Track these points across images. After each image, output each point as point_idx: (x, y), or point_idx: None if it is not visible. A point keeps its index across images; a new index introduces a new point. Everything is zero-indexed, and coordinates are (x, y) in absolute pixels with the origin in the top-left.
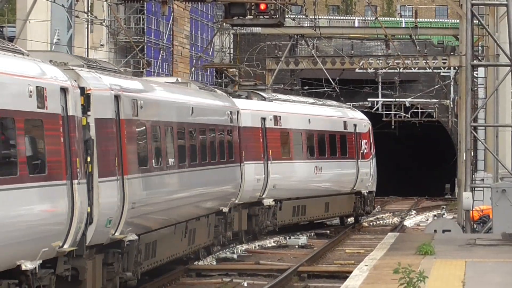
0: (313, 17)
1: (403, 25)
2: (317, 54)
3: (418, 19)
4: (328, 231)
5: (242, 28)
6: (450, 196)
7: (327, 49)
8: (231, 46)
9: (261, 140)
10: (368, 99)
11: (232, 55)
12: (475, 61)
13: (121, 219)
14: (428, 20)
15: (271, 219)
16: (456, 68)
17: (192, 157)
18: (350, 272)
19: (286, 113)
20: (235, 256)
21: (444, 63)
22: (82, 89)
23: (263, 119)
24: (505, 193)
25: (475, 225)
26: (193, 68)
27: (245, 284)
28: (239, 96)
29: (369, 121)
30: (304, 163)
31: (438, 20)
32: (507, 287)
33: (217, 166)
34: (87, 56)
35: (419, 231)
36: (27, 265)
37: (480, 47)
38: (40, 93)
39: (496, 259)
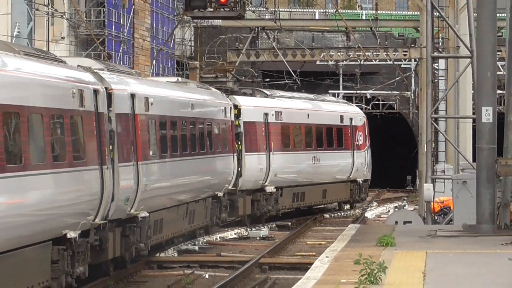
0: (273, 9)
1: (364, 17)
2: (278, 47)
3: (378, 11)
4: (289, 223)
5: (203, 20)
6: (411, 188)
7: (288, 42)
8: (192, 38)
9: (263, 133)
10: (329, 91)
11: (193, 47)
12: (435, 53)
13: (136, 198)
14: (389, 12)
15: (273, 204)
16: (417, 60)
17: (193, 147)
18: (311, 264)
19: (287, 109)
20: (196, 248)
21: (405, 55)
22: (105, 89)
23: (266, 114)
24: (466, 184)
25: (436, 216)
26: (154, 61)
27: (207, 276)
28: (243, 94)
29: (364, 115)
30: (303, 154)
31: (399, 12)
32: (468, 278)
33: (213, 155)
34: (48, 49)
35: (380, 222)
36: (71, 234)
37: (440, 39)
38: (80, 94)
39: (457, 250)
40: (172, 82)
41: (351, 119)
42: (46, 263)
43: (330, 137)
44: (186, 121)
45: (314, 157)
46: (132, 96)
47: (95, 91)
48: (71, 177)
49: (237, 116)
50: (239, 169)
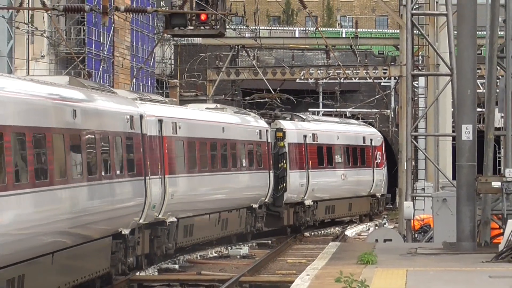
0: (254, 27)
1: (344, 35)
2: (258, 65)
3: (358, 29)
4: (270, 241)
5: (183, 39)
6: (391, 206)
7: (268, 60)
8: (172, 57)
9: (303, 153)
10: (309, 109)
11: (173, 66)
12: (415, 70)
13: (162, 205)
14: (369, 30)
15: (311, 216)
16: (397, 78)
17: (223, 164)
18: (292, 282)
19: (321, 131)
20: (176, 266)
21: (385, 73)
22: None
23: (305, 136)
24: (446, 202)
25: (416, 234)
26: (134, 79)
27: None
28: (284, 118)
29: (382, 136)
30: (335, 171)
31: (379, 30)
32: None
33: (245, 172)
34: (28, 67)
35: (361, 240)
36: (125, 231)
37: (420, 57)
38: (131, 119)
39: (437, 268)
40: (210, 108)
41: (371, 139)
42: (108, 253)
43: (355, 156)
44: (216, 142)
45: (343, 174)
46: (160, 121)
47: (140, 117)
48: (125, 186)
49: (282, 138)
50: (284, 184)
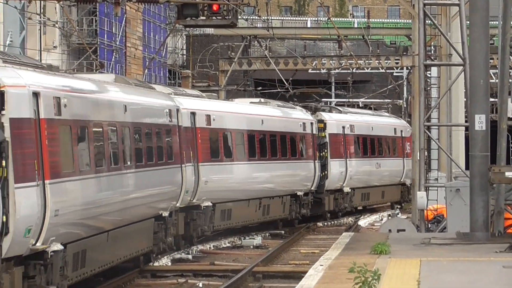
0: (265, 17)
1: (356, 26)
2: (270, 55)
3: (370, 19)
4: (283, 231)
5: (195, 29)
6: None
7: (280, 50)
8: (184, 47)
9: (342, 143)
10: (322, 100)
11: (185, 56)
12: (427, 60)
13: (196, 191)
14: (381, 20)
15: (349, 202)
16: (409, 68)
17: (261, 154)
18: (305, 272)
19: (358, 122)
20: (190, 256)
21: (397, 63)
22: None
23: (343, 127)
24: (459, 192)
25: (429, 224)
26: (146, 69)
27: (200, 285)
28: (323, 110)
29: (410, 127)
30: (370, 160)
31: (391, 20)
32: (462, 285)
33: (287, 161)
34: (40, 58)
35: (374, 230)
36: (165, 213)
37: (432, 47)
38: (169, 113)
39: (451, 258)
40: (254, 103)
41: (401, 131)
42: (151, 233)
43: (388, 146)
44: (254, 133)
45: (377, 163)
46: (193, 114)
47: (177, 110)
48: (165, 173)
49: (323, 129)
50: (325, 172)
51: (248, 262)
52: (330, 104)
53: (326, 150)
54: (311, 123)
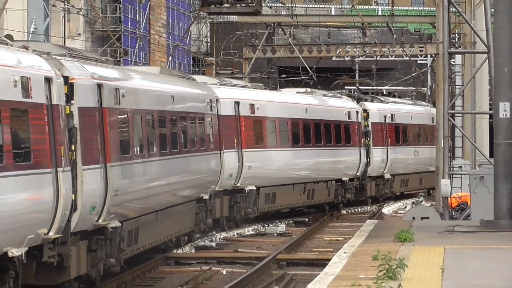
0: (289, 5)
1: (380, 13)
2: (294, 43)
3: (394, 7)
4: (306, 219)
5: (219, 16)
6: None
7: (304, 37)
8: (208, 35)
9: (383, 131)
10: (346, 87)
11: (209, 44)
12: (452, 48)
13: (240, 175)
14: (405, 8)
15: (389, 188)
16: (433, 55)
17: (305, 140)
18: (329, 260)
19: (398, 112)
20: (213, 244)
21: (421, 50)
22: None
23: (384, 116)
24: (483, 180)
25: (453, 212)
26: (170, 57)
27: (224, 272)
28: (365, 100)
29: None
30: (409, 148)
31: (415, 8)
32: (486, 273)
33: (330, 147)
34: (64, 45)
35: (398, 218)
36: (205, 196)
37: (456, 35)
38: (210, 102)
39: (475, 246)
40: (300, 92)
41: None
42: (193, 214)
43: (425, 134)
44: (298, 121)
45: (415, 151)
46: (237, 103)
47: (217, 100)
48: (206, 159)
49: (366, 118)
50: (368, 159)
51: (271, 250)
52: (354, 91)
53: (368, 138)
54: (357, 112)
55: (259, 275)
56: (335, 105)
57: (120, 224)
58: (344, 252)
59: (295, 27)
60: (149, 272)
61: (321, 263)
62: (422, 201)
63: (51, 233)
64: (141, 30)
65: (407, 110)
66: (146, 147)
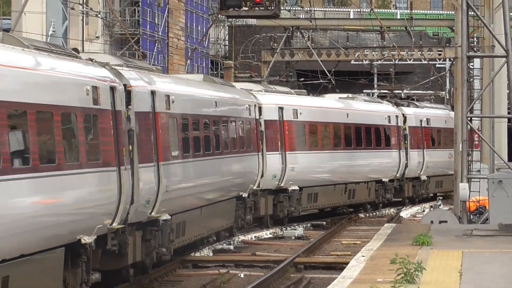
0: (308, 8)
1: (399, 17)
2: (312, 46)
3: (413, 11)
4: (324, 222)
5: (238, 20)
6: None
7: (323, 41)
8: (227, 38)
9: (420, 134)
10: (364, 91)
11: (227, 47)
12: (470, 52)
13: (283, 176)
14: (423, 11)
15: (425, 189)
16: (452, 59)
17: (346, 143)
18: (347, 263)
19: (433, 116)
20: (231, 247)
21: (440, 54)
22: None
23: (421, 120)
24: (502, 184)
25: (471, 216)
26: (188, 60)
27: (242, 275)
28: (402, 105)
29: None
30: (444, 151)
31: (433, 11)
32: (504, 277)
33: (371, 150)
34: (82, 48)
35: (416, 222)
36: (244, 195)
37: (475, 38)
38: (249, 108)
39: (493, 250)
40: (342, 98)
41: None
42: (233, 211)
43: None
44: (339, 125)
45: (449, 153)
46: (281, 108)
47: (255, 105)
48: (245, 160)
49: (404, 122)
50: (406, 161)
51: (289, 253)
52: (372, 95)
53: (406, 141)
54: (396, 116)
55: (276, 278)
56: (376, 109)
57: (170, 217)
58: (362, 256)
59: (313, 31)
60: (166, 275)
61: (339, 267)
62: (440, 205)
63: (114, 224)
64: (160, 33)
65: (441, 115)
66: (192, 148)
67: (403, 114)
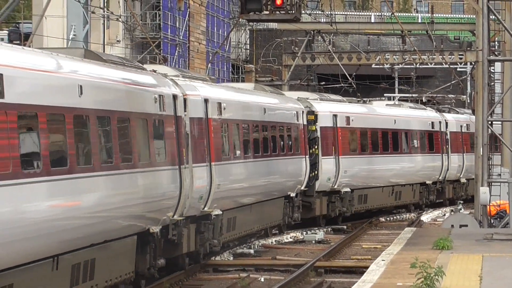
0: (329, 12)
1: (420, 21)
2: (333, 50)
3: (434, 15)
4: (345, 226)
5: (258, 23)
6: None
7: (344, 45)
8: (248, 42)
9: (460, 139)
10: (385, 95)
11: (248, 51)
12: (491, 56)
13: (337, 179)
14: (444, 15)
15: (464, 191)
16: (473, 63)
17: (394, 148)
18: (367, 267)
19: (472, 122)
20: (252, 251)
21: (461, 58)
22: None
23: (461, 126)
24: None
25: (492, 220)
26: (209, 64)
27: (262, 279)
28: (443, 111)
29: None
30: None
31: (454, 15)
32: None
33: (418, 154)
34: (103, 52)
35: (436, 226)
36: (292, 194)
37: (496, 42)
38: (296, 114)
39: None
40: (389, 104)
41: None
42: (281, 209)
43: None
44: (387, 131)
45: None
46: (335, 116)
47: (303, 112)
48: (293, 162)
49: (445, 127)
50: (447, 165)
51: (310, 257)
52: (393, 99)
53: (447, 146)
54: (439, 122)
55: (297, 282)
56: (420, 116)
57: (221, 212)
58: (382, 260)
59: (334, 35)
60: (187, 279)
61: (359, 271)
62: (461, 209)
63: (175, 216)
64: (181, 37)
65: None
66: (242, 151)
67: (445, 120)
